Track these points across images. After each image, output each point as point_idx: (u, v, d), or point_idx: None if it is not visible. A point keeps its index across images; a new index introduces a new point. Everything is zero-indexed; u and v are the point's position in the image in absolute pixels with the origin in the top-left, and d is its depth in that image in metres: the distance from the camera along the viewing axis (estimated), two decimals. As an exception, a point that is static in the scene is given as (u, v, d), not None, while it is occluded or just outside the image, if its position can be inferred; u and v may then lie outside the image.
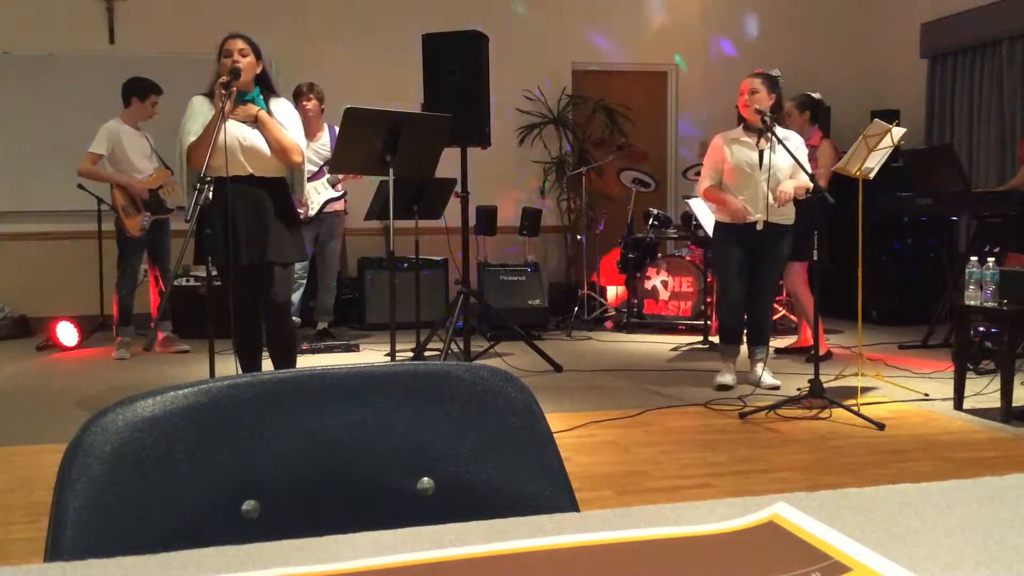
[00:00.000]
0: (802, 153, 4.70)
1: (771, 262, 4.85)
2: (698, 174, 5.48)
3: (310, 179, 6.25)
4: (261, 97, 3.95)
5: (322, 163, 6.27)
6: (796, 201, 5.59)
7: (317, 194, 6.33)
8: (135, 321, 6.35)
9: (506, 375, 0.94)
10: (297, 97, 6.24)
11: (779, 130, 4.60)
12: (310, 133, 6.22)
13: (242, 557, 0.62)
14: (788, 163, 4.64)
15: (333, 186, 6.38)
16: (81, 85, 7.27)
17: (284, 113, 3.99)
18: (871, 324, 7.24)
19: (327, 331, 6.83)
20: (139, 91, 6.08)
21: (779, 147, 4.62)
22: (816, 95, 5.89)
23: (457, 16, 7.41)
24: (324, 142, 6.37)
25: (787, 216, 4.81)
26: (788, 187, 4.64)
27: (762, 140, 4.72)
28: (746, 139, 4.78)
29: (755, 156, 4.73)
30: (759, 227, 4.74)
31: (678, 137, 8.82)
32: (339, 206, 6.56)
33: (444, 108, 4.90)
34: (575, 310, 7.41)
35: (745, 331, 5.02)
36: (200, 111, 3.89)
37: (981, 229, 6.15)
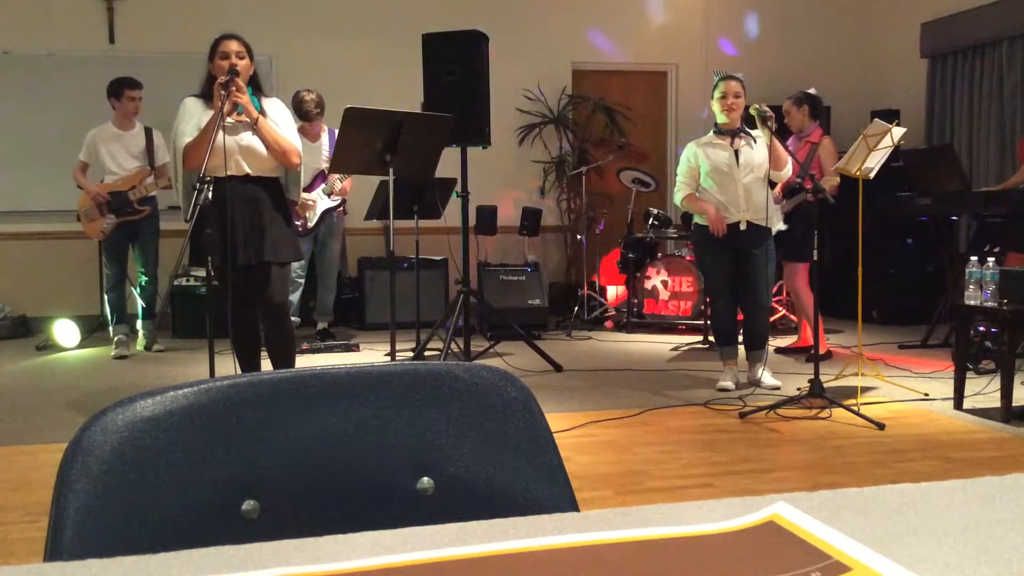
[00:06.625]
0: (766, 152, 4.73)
1: (760, 265, 4.79)
2: None
3: (305, 190, 6.24)
4: (255, 97, 3.94)
5: (315, 175, 6.25)
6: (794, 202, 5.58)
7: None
8: (129, 320, 6.36)
9: (506, 375, 0.94)
10: (306, 117, 6.17)
11: (753, 131, 4.77)
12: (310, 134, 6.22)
13: (242, 557, 0.62)
14: (763, 159, 4.70)
15: (329, 195, 6.36)
16: (81, 85, 7.26)
17: (278, 113, 3.98)
18: (871, 324, 7.24)
19: (327, 331, 6.82)
20: (113, 91, 6.08)
21: (755, 144, 4.75)
22: (811, 90, 5.87)
23: (457, 16, 7.41)
24: (323, 142, 6.36)
25: (769, 218, 4.82)
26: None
27: (735, 140, 4.75)
28: (719, 142, 4.81)
29: (732, 156, 4.75)
30: (742, 227, 4.74)
31: (678, 137, 8.82)
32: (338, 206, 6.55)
33: (444, 108, 4.89)
34: (575, 310, 7.41)
35: (742, 338, 5.01)
36: (193, 112, 3.88)
37: (981, 229, 6.15)
